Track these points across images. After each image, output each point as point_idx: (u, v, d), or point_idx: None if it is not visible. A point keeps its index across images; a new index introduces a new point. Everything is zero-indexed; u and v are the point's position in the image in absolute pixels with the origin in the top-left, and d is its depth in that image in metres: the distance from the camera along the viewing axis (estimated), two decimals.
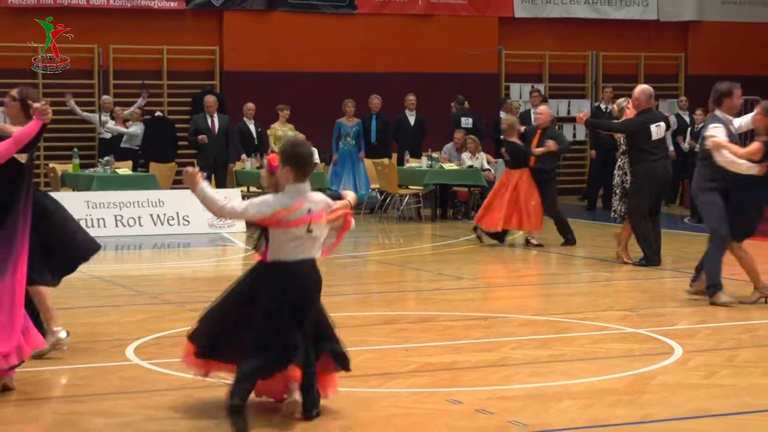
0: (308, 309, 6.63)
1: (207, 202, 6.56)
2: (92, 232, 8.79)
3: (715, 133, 10.73)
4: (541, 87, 23.88)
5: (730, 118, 10.96)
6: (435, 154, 19.84)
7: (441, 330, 9.73)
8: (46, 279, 8.28)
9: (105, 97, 21.51)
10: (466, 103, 21.79)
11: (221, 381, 6.82)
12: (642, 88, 13.68)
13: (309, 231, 6.54)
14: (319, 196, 6.70)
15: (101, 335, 9.24)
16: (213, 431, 6.35)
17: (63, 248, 8.39)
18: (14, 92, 8.10)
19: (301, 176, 6.58)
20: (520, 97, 24.11)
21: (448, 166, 19.55)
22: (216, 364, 6.82)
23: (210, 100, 20.21)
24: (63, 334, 8.38)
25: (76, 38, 20.98)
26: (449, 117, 21.66)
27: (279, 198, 6.59)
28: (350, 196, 7.06)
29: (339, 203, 6.82)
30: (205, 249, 16.19)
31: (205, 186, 6.57)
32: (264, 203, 6.57)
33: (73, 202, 15.80)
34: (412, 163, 20.22)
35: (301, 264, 6.56)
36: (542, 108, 16.55)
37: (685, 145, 20.66)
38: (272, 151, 6.59)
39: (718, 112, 10.97)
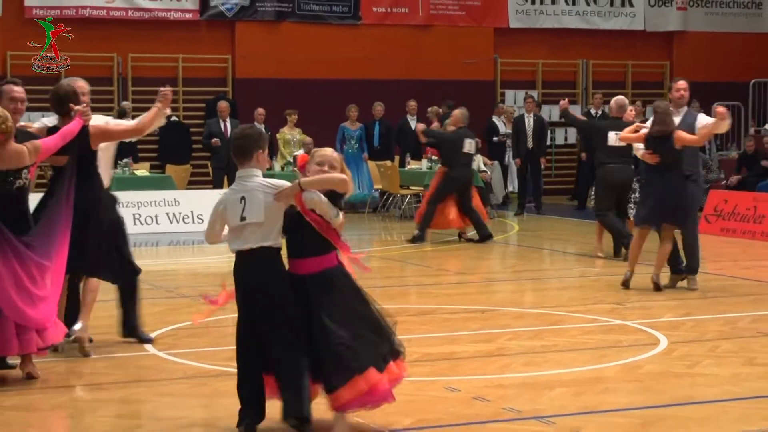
0: (261, 305, 6.00)
1: None
2: None
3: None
4: (534, 93, 23.90)
5: (674, 110, 11.31)
6: (435, 157, 19.82)
7: (440, 322, 9.74)
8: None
9: (124, 102, 21.52)
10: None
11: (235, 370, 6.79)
12: (615, 99, 13.95)
13: (242, 220, 6.04)
14: (265, 182, 6.06)
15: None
16: (226, 416, 6.34)
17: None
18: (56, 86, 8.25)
19: (240, 161, 6.09)
20: (515, 103, 24.12)
21: None
22: None
23: (223, 105, 20.22)
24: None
25: (96, 47, 21.09)
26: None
27: (219, 199, 6.23)
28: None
29: (287, 186, 6.04)
30: (218, 245, 16.14)
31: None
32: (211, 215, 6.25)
33: None
34: (413, 165, 20.23)
35: (241, 254, 6.10)
36: (456, 111, 16.50)
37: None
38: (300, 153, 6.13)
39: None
